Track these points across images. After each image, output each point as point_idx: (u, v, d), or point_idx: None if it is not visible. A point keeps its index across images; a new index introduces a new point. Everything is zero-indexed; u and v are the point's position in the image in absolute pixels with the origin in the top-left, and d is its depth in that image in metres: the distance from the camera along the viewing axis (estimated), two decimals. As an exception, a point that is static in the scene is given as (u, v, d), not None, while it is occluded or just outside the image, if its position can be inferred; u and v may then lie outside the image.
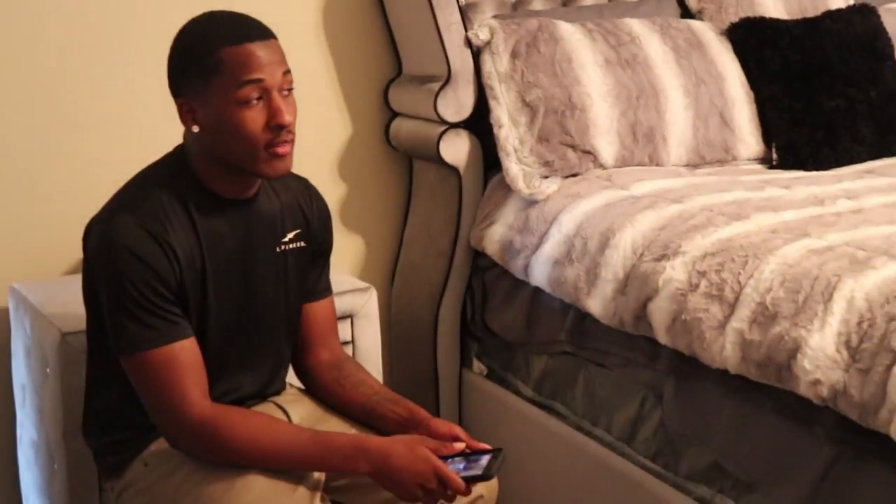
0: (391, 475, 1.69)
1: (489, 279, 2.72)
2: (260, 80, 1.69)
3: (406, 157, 2.93)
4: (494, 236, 2.61)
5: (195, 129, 1.74)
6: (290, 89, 1.74)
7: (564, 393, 2.52)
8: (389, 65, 2.90)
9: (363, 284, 2.45)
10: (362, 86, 2.88)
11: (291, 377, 2.02)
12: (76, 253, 2.53)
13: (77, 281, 2.41)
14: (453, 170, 2.72)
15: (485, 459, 1.75)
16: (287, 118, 1.71)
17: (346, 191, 2.90)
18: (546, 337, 2.54)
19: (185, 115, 1.75)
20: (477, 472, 1.72)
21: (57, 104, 2.56)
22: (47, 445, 2.25)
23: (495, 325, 2.69)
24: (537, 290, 2.53)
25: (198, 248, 1.75)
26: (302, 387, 2.01)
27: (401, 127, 2.84)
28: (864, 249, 2.00)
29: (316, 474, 1.74)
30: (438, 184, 2.80)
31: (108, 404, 1.84)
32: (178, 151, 1.81)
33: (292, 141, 1.74)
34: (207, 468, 1.72)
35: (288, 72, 1.74)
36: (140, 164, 1.86)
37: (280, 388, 1.96)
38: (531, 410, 2.59)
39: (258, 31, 1.73)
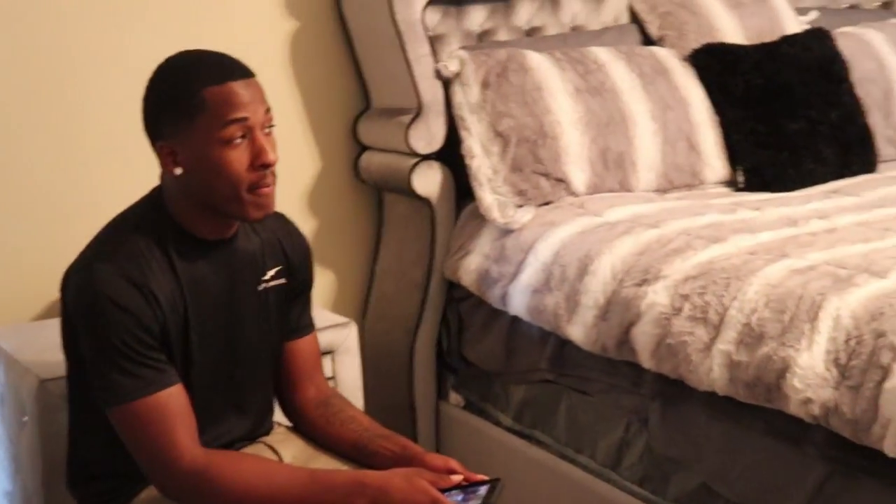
0: None
1: (464, 310, 2.72)
2: (244, 119, 1.67)
3: (375, 191, 2.93)
4: (470, 266, 2.61)
5: (178, 171, 1.70)
6: (271, 127, 1.72)
7: (546, 421, 2.52)
8: (357, 98, 2.90)
9: (343, 319, 2.43)
10: (331, 120, 2.88)
11: (278, 415, 2.00)
12: (48, 297, 2.51)
13: (52, 325, 2.37)
14: (425, 201, 2.72)
15: (483, 490, 1.74)
16: (271, 157, 1.69)
17: (316, 225, 2.89)
18: (526, 366, 2.53)
19: (166, 158, 1.71)
20: (476, 502, 1.71)
21: (28, 151, 2.53)
22: (24, 494, 2.20)
23: (473, 356, 2.68)
24: (515, 319, 2.53)
25: (179, 293, 1.71)
26: (290, 424, 1.99)
27: (371, 160, 2.84)
28: (844, 268, 2.03)
29: None
30: (410, 216, 2.80)
31: (94, 453, 1.80)
32: (155, 194, 1.77)
33: (275, 182, 1.72)
34: None
35: (269, 110, 1.72)
36: (115, 209, 1.82)
37: (269, 427, 1.93)
38: (512, 440, 2.58)
39: (239, 70, 1.70)
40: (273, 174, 1.71)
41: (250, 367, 1.84)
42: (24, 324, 2.48)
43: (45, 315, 2.51)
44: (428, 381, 2.79)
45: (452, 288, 2.73)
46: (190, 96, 1.66)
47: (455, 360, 2.75)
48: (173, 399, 1.67)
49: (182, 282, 1.71)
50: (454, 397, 2.78)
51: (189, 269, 1.73)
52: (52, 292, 2.51)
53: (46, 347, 2.23)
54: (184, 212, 1.73)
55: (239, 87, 1.67)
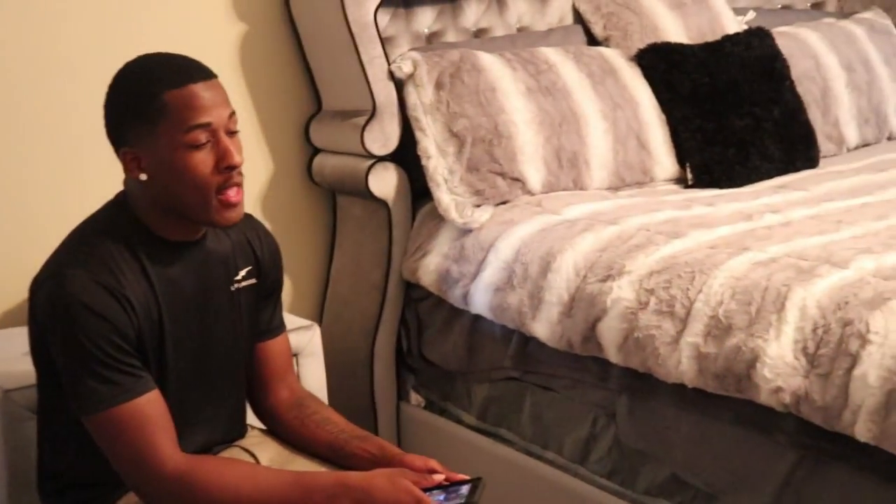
0: None
1: (424, 310, 2.72)
2: (208, 124, 1.65)
3: (329, 193, 2.92)
4: (430, 267, 2.62)
5: (143, 177, 1.67)
6: (234, 130, 1.70)
7: (510, 419, 2.54)
8: (308, 101, 2.89)
9: (306, 322, 2.42)
10: (282, 123, 2.86)
11: (251, 418, 1.98)
12: (8, 305, 2.45)
13: (14, 334, 2.34)
14: (381, 203, 2.72)
15: (465, 489, 1.74)
16: (237, 158, 1.67)
17: (270, 228, 2.77)
18: (488, 364, 2.55)
19: (130, 164, 1.68)
20: (459, 501, 1.72)
21: (15, 145, 2.49)
22: (-12, 507, 2.15)
23: (434, 356, 2.69)
24: (476, 317, 2.55)
25: (152, 297, 1.69)
26: (263, 427, 1.97)
27: (325, 163, 2.83)
28: (806, 259, 2.08)
29: None
30: (366, 218, 2.79)
31: (66, 464, 1.76)
32: (121, 199, 1.74)
33: (241, 184, 1.71)
34: None
35: (233, 113, 1.70)
36: (80, 214, 1.79)
37: (243, 430, 1.91)
38: (476, 438, 2.59)
39: (199, 72, 1.68)
40: (240, 175, 1.70)
41: (224, 369, 1.83)
42: (-18, 334, 2.43)
43: (5, 324, 2.46)
44: (388, 382, 2.78)
45: (410, 288, 2.74)
46: (150, 101, 1.64)
47: (415, 361, 2.75)
48: (151, 405, 1.65)
49: (155, 286, 1.69)
50: (415, 397, 2.78)
51: (161, 272, 1.71)
52: (11, 300, 2.48)
53: (9, 357, 2.20)
54: (151, 216, 1.71)
55: (200, 90, 1.65)
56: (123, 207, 1.73)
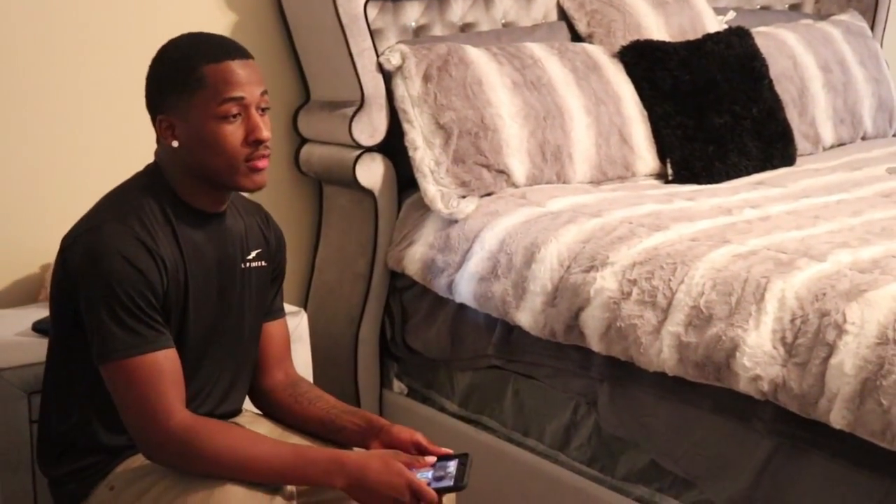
0: (367, 489, 1.71)
1: (408, 299, 2.77)
2: (241, 98, 1.75)
3: (316, 182, 2.95)
4: (415, 256, 2.66)
5: (175, 144, 1.77)
6: (266, 108, 1.79)
7: (492, 406, 2.58)
8: (297, 91, 2.92)
9: (294, 308, 2.46)
10: (271, 113, 2.85)
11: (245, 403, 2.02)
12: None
13: (6, 315, 2.36)
14: (367, 193, 2.76)
15: (452, 467, 1.78)
16: (265, 133, 1.77)
17: None
18: (472, 352, 2.59)
19: (165, 131, 1.77)
20: (449, 482, 1.76)
21: (9, 134, 2.53)
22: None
23: (417, 344, 2.73)
24: (460, 307, 2.59)
25: (181, 259, 1.77)
26: (256, 412, 2.01)
27: (312, 152, 2.87)
28: (784, 252, 2.14)
29: (290, 487, 1.75)
30: (352, 207, 2.83)
31: (70, 429, 1.81)
32: (153, 168, 1.83)
33: (268, 156, 1.80)
34: (180, 485, 1.71)
35: (265, 92, 1.79)
36: (90, 195, 1.85)
37: (238, 408, 1.95)
38: (458, 425, 2.64)
39: (238, 51, 1.78)
40: (267, 149, 1.79)
41: (234, 342, 1.89)
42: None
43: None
44: (371, 370, 2.83)
45: (395, 278, 2.78)
46: (190, 72, 1.74)
47: (399, 349, 2.79)
48: (168, 361, 1.71)
49: (183, 250, 1.78)
50: (397, 385, 2.83)
51: (189, 237, 1.79)
52: (2, 283, 2.50)
53: (1, 337, 2.22)
54: (181, 183, 1.79)
55: (237, 67, 1.75)
56: (156, 174, 1.82)
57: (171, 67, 1.77)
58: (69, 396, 1.80)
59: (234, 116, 1.74)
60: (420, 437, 1.86)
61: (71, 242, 1.75)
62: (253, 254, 1.90)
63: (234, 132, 1.74)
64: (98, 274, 1.68)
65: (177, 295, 1.76)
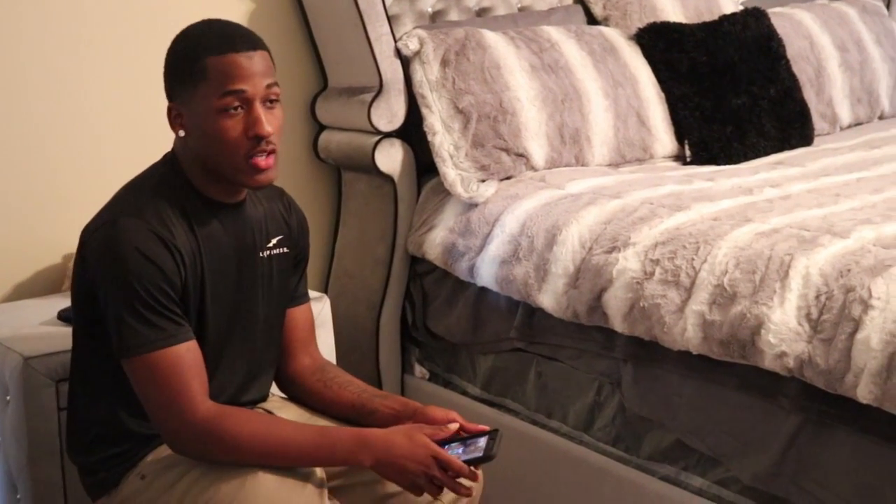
0: (394, 465, 1.72)
1: (428, 284, 2.77)
2: (241, 91, 1.72)
3: (334, 169, 2.96)
4: (435, 241, 2.66)
5: (181, 133, 1.77)
6: (274, 101, 1.77)
7: (515, 389, 2.59)
8: (314, 79, 2.93)
9: (317, 293, 2.47)
10: (289, 100, 2.87)
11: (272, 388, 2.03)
12: (21, 278, 2.50)
13: (31, 305, 2.39)
14: (387, 178, 2.76)
15: (482, 441, 1.79)
16: (265, 129, 1.73)
17: None
18: (494, 336, 2.60)
19: (174, 119, 1.78)
20: (478, 454, 1.76)
21: (31, 126, 2.53)
22: (7, 475, 2.19)
23: (439, 329, 2.74)
24: (481, 290, 2.60)
25: (198, 251, 1.77)
26: (283, 396, 2.02)
27: (331, 139, 2.87)
28: (807, 230, 2.14)
29: (319, 472, 1.76)
30: (371, 193, 2.84)
31: (99, 418, 1.82)
32: (170, 157, 1.83)
33: (273, 152, 1.77)
34: (211, 475, 1.71)
35: (273, 84, 1.77)
36: (102, 192, 1.86)
37: (265, 394, 1.96)
38: (480, 408, 2.64)
39: (244, 43, 1.75)
40: (272, 144, 1.76)
41: (255, 330, 1.89)
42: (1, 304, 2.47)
43: (22, 295, 2.50)
44: (393, 355, 2.84)
45: (415, 263, 2.79)
46: (193, 64, 1.73)
47: (421, 334, 2.80)
48: (190, 353, 1.72)
49: (200, 241, 1.77)
50: (419, 370, 2.84)
51: (205, 228, 1.79)
52: (27, 272, 2.52)
53: (27, 326, 2.24)
54: (194, 173, 1.79)
55: (240, 59, 1.73)
56: (172, 165, 1.82)
57: (178, 57, 1.77)
58: (96, 386, 1.81)
59: (236, 109, 1.72)
60: (455, 416, 1.86)
61: (88, 238, 1.75)
62: (274, 240, 1.89)
63: (234, 126, 1.72)
64: (115, 270, 1.68)
65: (195, 286, 1.76)
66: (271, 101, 1.76)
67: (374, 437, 1.74)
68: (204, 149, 1.75)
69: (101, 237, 1.71)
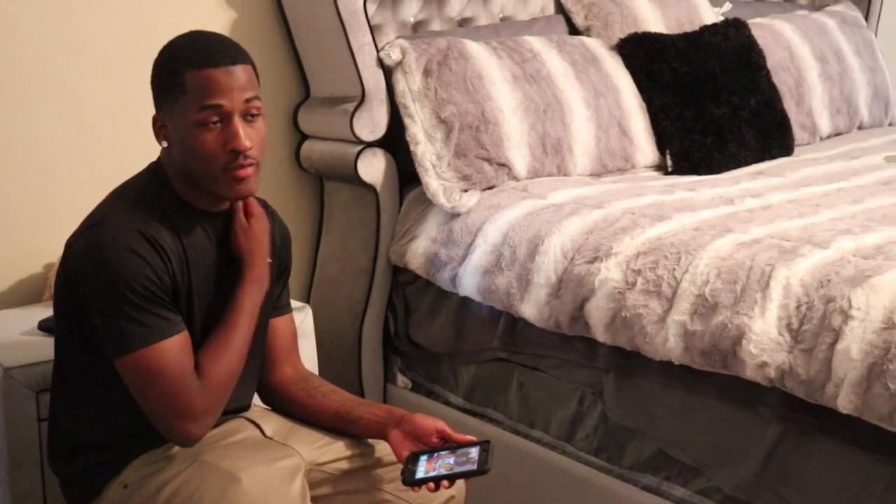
0: None
1: (411, 293, 2.77)
2: (218, 106, 1.72)
3: (317, 178, 2.96)
4: (418, 250, 2.67)
5: (164, 144, 1.79)
6: (255, 115, 1.76)
7: (497, 399, 2.59)
8: (297, 88, 2.93)
9: (299, 303, 2.47)
10: (272, 110, 2.87)
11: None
12: (4, 285, 2.49)
13: (12, 315, 2.38)
14: (369, 188, 2.76)
15: (474, 452, 1.79)
16: (243, 144, 1.73)
17: None
18: (476, 345, 2.60)
19: (158, 129, 1.79)
20: (471, 466, 1.76)
21: (13, 135, 2.53)
22: (-13, 484, 2.18)
23: (421, 338, 2.74)
24: (464, 300, 2.60)
25: (184, 257, 1.77)
26: (266, 407, 2.02)
27: (313, 148, 2.87)
28: (788, 240, 2.15)
29: (302, 481, 1.75)
30: (353, 203, 2.84)
31: (79, 428, 1.81)
32: (154, 166, 1.83)
33: (253, 165, 1.77)
34: (193, 483, 1.72)
35: (253, 98, 1.76)
36: (87, 202, 1.86)
37: (246, 404, 1.96)
38: (463, 418, 2.64)
39: (224, 57, 1.75)
40: (250, 158, 1.75)
41: None
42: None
43: (4, 305, 2.49)
44: (375, 365, 2.83)
45: (398, 272, 2.79)
46: (174, 77, 1.74)
47: (402, 343, 2.80)
48: (184, 345, 1.73)
49: (185, 248, 1.77)
50: (401, 380, 2.83)
51: (190, 236, 1.79)
52: (9, 281, 2.51)
53: (7, 336, 2.23)
54: (178, 182, 1.80)
55: (219, 74, 1.73)
56: (157, 174, 1.82)
57: (161, 70, 1.77)
58: (77, 395, 1.81)
59: (214, 123, 1.72)
60: (443, 425, 1.86)
61: (73, 242, 1.75)
62: None
63: (212, 140, 1.72)
64: (102, 269, 1.68)
65: (182, 291, 1.76)
66: (252, 115, 1.76)
67: None
68: (185, 160, 1.76)
69: (86, 239, 1.72)
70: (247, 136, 1.74)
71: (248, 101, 1.75)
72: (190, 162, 1.75)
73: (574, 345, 2.37)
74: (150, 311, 1.69)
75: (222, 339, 1.77)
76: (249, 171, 1.76)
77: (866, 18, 3.85)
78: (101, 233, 1.70)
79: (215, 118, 1.72)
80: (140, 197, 1.77)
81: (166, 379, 1.69)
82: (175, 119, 1.75)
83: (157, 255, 1.71)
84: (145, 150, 1.91)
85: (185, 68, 1.72)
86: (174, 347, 1.70)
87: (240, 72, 1.75)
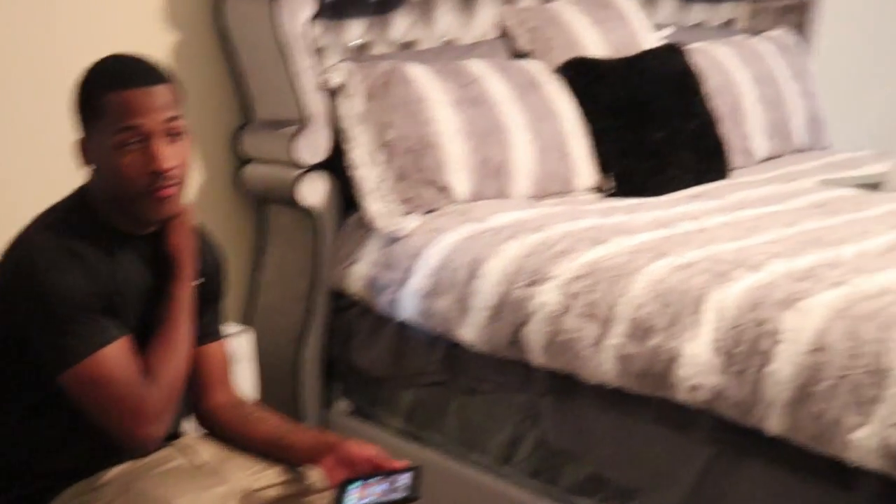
0: None
1: (351, 317, 2.77)
2: (137, 127, 1.71)
3: (257, 203, 2.95)
4: (358, 275, 2.67)
5: (88, 167, 1.77)
6: (177, 134, 1.75)
7: (436, 422, 2.59)
8: (237, 111, 2.92)
9: (238, 327, 2.46)
10: (211, 133, 2.88)
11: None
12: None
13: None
14: (309, 212, 2.76)
15: (406, 478, 1.78)
16: (164, 164, 1.72)
17: None
18: (415, 369, 2.61)
19: (80, 152, 1.78)
20: (403, 493, 1.76)
21: None
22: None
23: (361, 362, 2.74)
24: (403, 324, 2.60)
25: (112, 281, 1.75)
26: (201, 433, 2.00)
27: (253, 172, 2.87)
28: (721, 263, 2.18)
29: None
30: (293, 227, 2.84)
31: (15, 453, 1.78)
32: (79, 191, 1.82)
33: (177, 184, 1.76)
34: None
35: (175, 118, 1.75)
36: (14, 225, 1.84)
37: (177, 430, 1.94)
38: (400, 443, 2.64)
39: (141, 78, 1.74)
40: (171, 178, 1.74)
41: None
42: None
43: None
44: (315, 389, 2.82)
45: (338, 296, 2.78)
46: (93, 100, 1.74)
47: (343, 368, 2.80)
48: (125, 348, 1.71)
49: (114, 267, 1.76)
50: (342, 404, 2.83)
51: (116, 260, 1.77)
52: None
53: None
54: (103, 205, 1.78)
55: (136, 95, 1.71)
56: (81, 198, 1.81)
57: (80, 93, 1.76)
58: (4, 425, 1.78)
59: (134, 144, 1.71)
60: (374, 452, 1.85)
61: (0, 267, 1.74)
62: None
63: (133, 161, 1.71)
64: (32, 287, 1.67)
65: (109, 311, 1.74)
66: (174, 135, 1.74)
67: None
68: (108, 183, 1.75)
69: (13, 261, 1.71)
70: (168, 156, 1.72)
71: (168, 120, 1.73)
72: (113, 184, 1.74)
73: (512, 368, 2.38)
74: (86, 322, 1.68)
75: (165, 337, 1.77)
76: (172, 190, 1.75)
77: (804, 41, 3.91)
78: (29, 252, 1.69)
79: (135, 139, 1.71)
80: (66, 219, 1.76)
81: (115, 385, 1.68)
82: (96, 142, 1.74)
83: (86, 271, 1.70)
84: (69, 177, 1.88)
85: (103, 91, 1.72)
86: (118, 352, 1.69)
87: (159, 91, 1.73)
